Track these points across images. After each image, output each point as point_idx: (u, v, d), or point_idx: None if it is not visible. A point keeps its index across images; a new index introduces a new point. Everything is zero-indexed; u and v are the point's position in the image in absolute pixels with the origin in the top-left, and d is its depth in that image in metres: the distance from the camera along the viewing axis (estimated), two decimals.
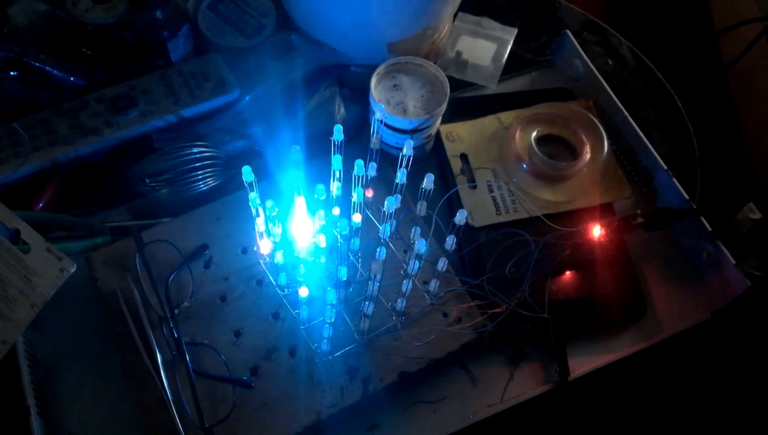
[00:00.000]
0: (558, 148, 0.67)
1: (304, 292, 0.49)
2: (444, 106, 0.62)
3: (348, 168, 0.53)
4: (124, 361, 0.54)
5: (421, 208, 0.53)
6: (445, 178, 0.66)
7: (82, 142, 0.62)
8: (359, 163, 0.51)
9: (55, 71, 0.66)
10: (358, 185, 0.52)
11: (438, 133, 0.67)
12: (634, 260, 0.62)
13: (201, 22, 0.71)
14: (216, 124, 0.66)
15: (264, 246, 0.56)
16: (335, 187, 0.54)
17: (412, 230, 0.55)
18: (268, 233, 0.53)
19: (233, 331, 0.56)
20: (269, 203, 0.50)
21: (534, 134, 0.66)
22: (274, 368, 0.54)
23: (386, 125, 0.62)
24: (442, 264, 0.53)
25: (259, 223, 0.54)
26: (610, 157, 0.66)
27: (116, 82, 0.66)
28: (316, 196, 0.50)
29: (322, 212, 0.50)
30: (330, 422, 0.53)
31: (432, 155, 0.69)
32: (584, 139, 0.66)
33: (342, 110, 0.68)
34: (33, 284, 0.53)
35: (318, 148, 0.64)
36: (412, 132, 0.62)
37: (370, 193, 0.56)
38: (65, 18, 0.68)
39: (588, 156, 0.65)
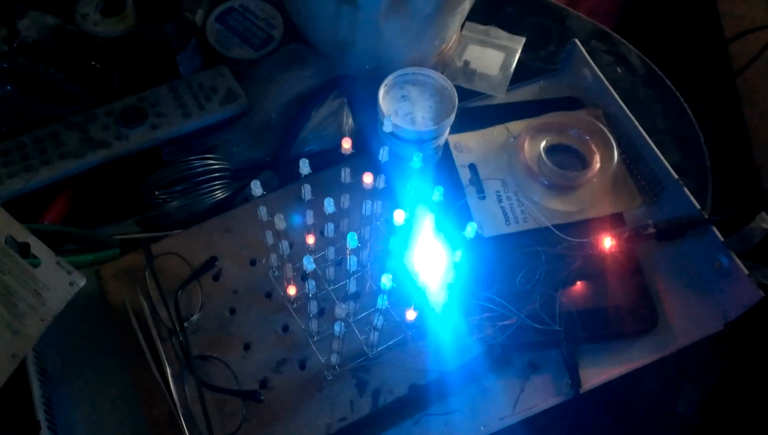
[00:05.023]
0: (567, 157, 0.66)
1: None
2: (452, 117, 0.62)
3: (357, 179, 0.53)
4: (133, 375, 0.54)
5: (430, 219, 0.52)
6: (454, 189, 0.66)
7: (92, 155, 0.63)
8: (368, 177, 0.51)
9: (64, 84, 0.66)
10: (367, 197, 0.52)
11: (446, 144, 0.67)
12: (645, 271, 0.62)
13: (209, 34, 0.71)
14: (225, 135, 0.66)
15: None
16: (345, 199, 0.54)
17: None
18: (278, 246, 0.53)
19: (243, 343, 0.56)
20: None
21: (543, 144, 0.66)
22: (284, 381, 0.54)
23: (394, 136, 0.62)
24: (452, 276, 0.53)
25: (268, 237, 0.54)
26: (620, 166, 0.65)
27: (125, 95, 0.66)
28: (326, 209, 0.49)
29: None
30: None
31: (441, 165, 0.68)
32: (594, 148, 0.65)
33: (350, 121, 0.68)
34: (43, 298, 0.53)
35: (326, 160, 0.64)
36: (421, 143, 0.62)
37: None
38: (74, 31, 0.68)
39: (598, 165, 0.64)
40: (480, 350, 0.56)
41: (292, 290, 0.55)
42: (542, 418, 0.57)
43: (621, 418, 0.62)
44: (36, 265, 0.53)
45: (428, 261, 0.52)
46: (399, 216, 0.48)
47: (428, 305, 0.54)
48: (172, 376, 0.53)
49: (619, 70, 0.79)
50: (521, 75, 0.76)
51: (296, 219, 0.50)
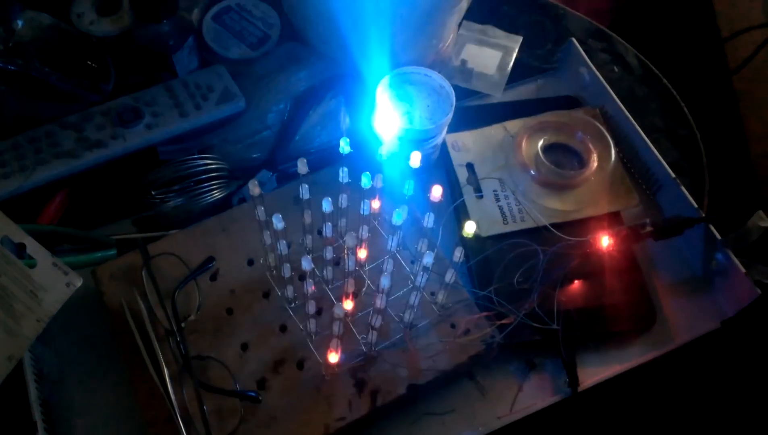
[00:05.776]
0: (565, 156, 0.66)
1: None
2: (450, 116, 0.62)
3: (355, 179, 0.53)
4: (130, 375, 0.54)
5: (428, 219, 0.52)
6: (452, 188, 0.66)
7: (88, 155, 0.62)
8: (366, 176, 0.51)
9: (60, 84, 0.66)
10: (364, 197, 0.52)
11: (444, 143, 0.67)
12: (642, 269, 0.62)
13: (206, 33, 0.71)
14: (222, 135, 0.66)
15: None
16: (343, 199, 0.54)
17: (419, 241, 0.55)
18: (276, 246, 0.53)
19: (240, 343, 0.55)
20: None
21: (540, 143, 0.66)
22: (282, 381, 0.54)
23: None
24: (450, 275, 0.53)
25: (266, 236, 0.54)
26: (617, 165, 0.65)
27: (121, 95, 0.66)
28: (324, 209, 0.49)
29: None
30: None
31: (438, 165, 0.68)
32: (591, 147, 0.65)
33: (347, 120, 0.68)
34: (39, 299, 0.52)
35: (323, 159, 0.64)
36: (419, 142, 0.62)
37: (376, 205, 0.55)
38: (70, 31, 0.68)
39: (595, 164, 0.65)
40: (478, 349, 0.56)
41: (289, 289, 0.54)
42: (540, 417, 0.57)
43: (618, 416, 0.62)
44: (32, 266, 0.53)
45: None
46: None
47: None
48: (170, 376, 0.52)
49: (616, 69, 0.79)
50: (518, 74, 0.76)
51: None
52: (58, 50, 0.67)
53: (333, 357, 0.52)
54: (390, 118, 0.57)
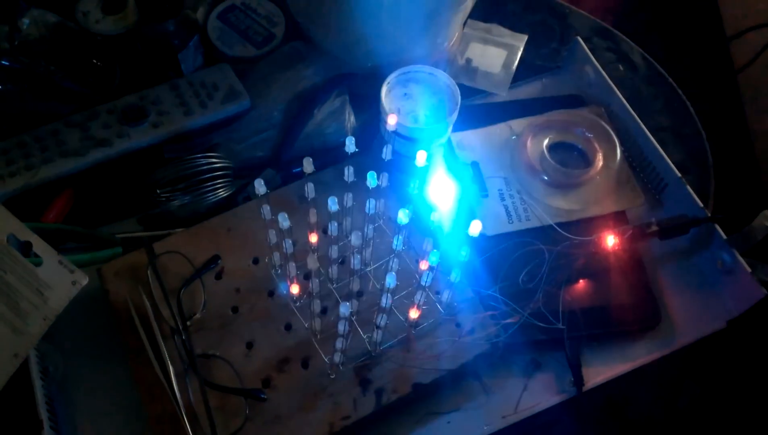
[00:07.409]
0: (570, 155, 0.66)
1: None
2: (455, 115, 0.62)
3: (360, 178, 0.53)
4: (136, 374, 0.54)
5: (434, 218, 0.52)
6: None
7: (93, 153, 0.62)
8: (372, 175, 0.51)
9: (65, 82, 0.66)
10: (370, 196, 0.52)
11: (449, 141, 0.67)
12: (648, 269, 0.62)
13: (211, 32, 0.71)
14: (227, 134, 0.66)
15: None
16: (348, 198, 0.54)
17: (424, 240, 0.55)
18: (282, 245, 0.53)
19: (245, 342, 0.55)
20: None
21: (546, 142, 0.66)
22: (287, 380, 0.54)
23: (397, 134, 0.62)
24: (455, 274, 0.53)
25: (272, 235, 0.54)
26: (622, 164, 0.65)
27: (127, 93, 0.66)
28: (329, 208, 0.49)
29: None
30: (343, 434, 0.53)
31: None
32: (597, 146, 0.65)
33: (352, 119, 0.68)
34: (45, 297, 0.53)
35: (329, 158, 0.64)
36: (424, 141, 0.62)
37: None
38: (75, 29, 0.68)
39: (601, 163, 0.64)
40: (483, 348, 0.56)
41: (295, 289, 0.55)
42: (545, 416, 0.57)
43: (622, 415, 0.62)
44: (38, 264, 0.53)
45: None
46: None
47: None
48: (175, 374, 0.52)
49: (621, 67, 0.78)
50: (523, 73, 0.76)
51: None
52: (63, 49, 0.67)
53: (337, 356, 0.52)
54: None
